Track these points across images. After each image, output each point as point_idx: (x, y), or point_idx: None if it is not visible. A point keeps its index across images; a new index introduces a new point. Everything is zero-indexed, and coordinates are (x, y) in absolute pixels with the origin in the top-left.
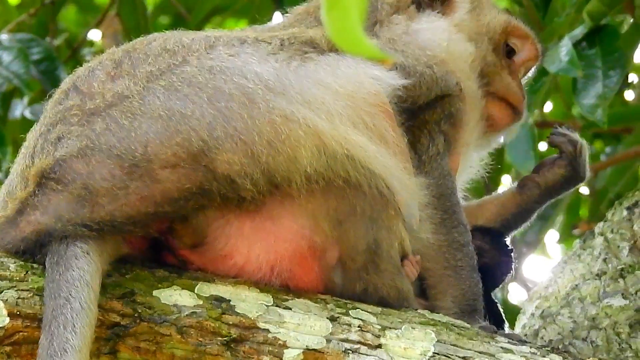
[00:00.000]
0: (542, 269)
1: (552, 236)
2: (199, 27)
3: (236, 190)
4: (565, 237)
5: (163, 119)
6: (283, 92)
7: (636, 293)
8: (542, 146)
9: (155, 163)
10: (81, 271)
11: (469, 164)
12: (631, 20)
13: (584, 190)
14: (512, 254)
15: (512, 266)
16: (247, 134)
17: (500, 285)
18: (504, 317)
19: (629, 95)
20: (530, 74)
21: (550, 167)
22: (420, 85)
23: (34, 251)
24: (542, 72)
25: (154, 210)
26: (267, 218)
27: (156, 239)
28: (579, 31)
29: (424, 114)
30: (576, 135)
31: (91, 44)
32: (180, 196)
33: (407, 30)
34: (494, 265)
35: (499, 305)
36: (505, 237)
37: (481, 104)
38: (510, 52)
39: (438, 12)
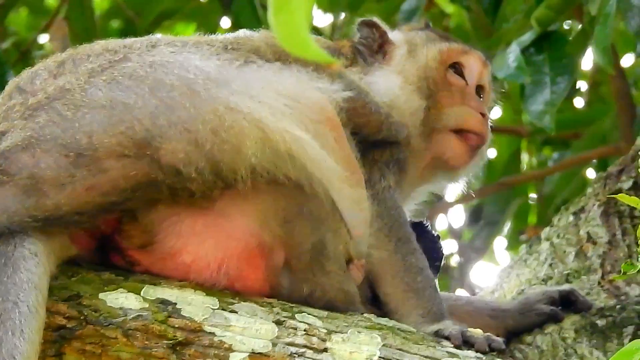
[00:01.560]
0: (490, 275)
1: (500, 243)
2: (148, 31)
3: (182, 181)
4: (514, 244)
5: (106, 108)
6: (225, 84)
7: None
8: (491, 153)
9: (101, 152)
10: (29, 273)
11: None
12: (579, 27)
13: (532, 195)
14: (438, 240)
15: (442, 251)
16: (191, 123)
17: (437, 273)
18: None
19: (579, 102)
20: (488, 84)
21: None
22: (371, 111)
23: None
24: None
25: (100, 200)
26: (219, 215)
27: (104, 240)
28: (527, 37)
29: (373, 153)
30: None
31: (41, 47)
32: (127, 186)
33: (360, 81)
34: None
35: None
36: (427, 225)
37: (427, 154)
38: (460, 74)
39: (380, 64)
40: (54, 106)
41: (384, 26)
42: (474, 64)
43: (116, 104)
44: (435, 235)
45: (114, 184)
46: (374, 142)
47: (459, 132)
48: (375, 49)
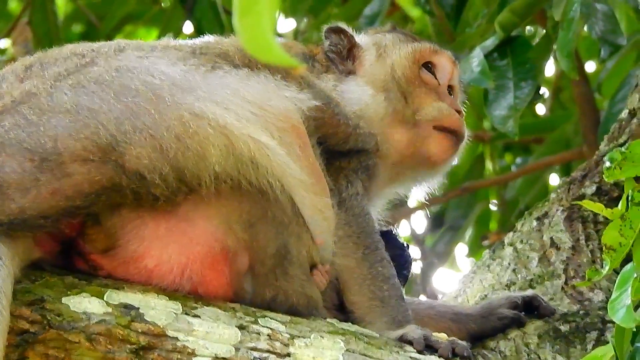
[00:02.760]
0: (452, 281)
1: (462, 249)
2: (110, 35)
3: (146, 186)
4: (475, 250)
5: (71, 113)
6: (190, 90)
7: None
8: None
9: (65, 156)
10: None
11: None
12: (543, 32)
13: (493, 201)
14: (406, 248)
15: (410, 259)
16: (155, 129)
17: (406, 281)
18: None
19: (540, 108)
20: (458, 83)
21: None
22: (339, 122)
23: None
24: None
25: (65, 204)
26: (182, 219)
27: (67, 244)
28: (491, 42)
29: (339, 161)
30: None
31: (3, 51)
32: (92, 190)
33: (335, 89)
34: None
35: None
36: (396, 233)
37: (401, 155)
38: (432, 74)
39: (350, 72)
40: (19, 110)
41: (350, 31)
42: (445, 63)
43: (81, 109)
44: (404, 243)
45: (78, 188)
46: (340, 151)
47: (439, 129)
48: (345, 54)
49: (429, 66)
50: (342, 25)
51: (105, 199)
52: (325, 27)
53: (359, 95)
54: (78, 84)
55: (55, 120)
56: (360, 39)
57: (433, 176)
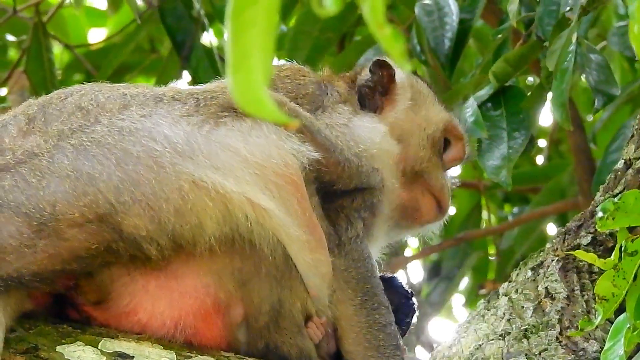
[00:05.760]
0: (447, 331)
1: (459, 299)
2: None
3: (142, 251)
4: (472, 300)
5: (71, 179)
6: (191, 157)
7: (540, 354)
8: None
9: (63, 222)
10: None
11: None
12: (537, 82)
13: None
14: (411, 296)
15: (415, 307)
16: (154, 201)
17: (408, 329)
18: None
19: (540, 159)
20: (451, 171)
21: None
22: (344, 169)
23: None
24: None
25: (61, 268)
26: (172, 277)
27: (60, 295)
28: (485, 92)
29: (342, 200)
30: None
31: (2, 99)
32: (88, 254)
33: (347, 123)
34: (395, 310)
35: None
36: (400, 281)
37: (400, 198)
38: (442, 149)
39: (377, 110)
40: (20, 171)
41: (395, 67)
42: (458, 150)
43: (81, 175)
44: (409, 291)
45: (75, 253)
46: (342, 190)
47: (433, 196)
48: (380, 90)
49: (446, 142)
50: (389, 60)
51: (101, 260)
52: (373, 60)
53: (370, 132)
54: (80, 145)
55: (55, 184)
56: (400, 76)
57: (407, 230)
